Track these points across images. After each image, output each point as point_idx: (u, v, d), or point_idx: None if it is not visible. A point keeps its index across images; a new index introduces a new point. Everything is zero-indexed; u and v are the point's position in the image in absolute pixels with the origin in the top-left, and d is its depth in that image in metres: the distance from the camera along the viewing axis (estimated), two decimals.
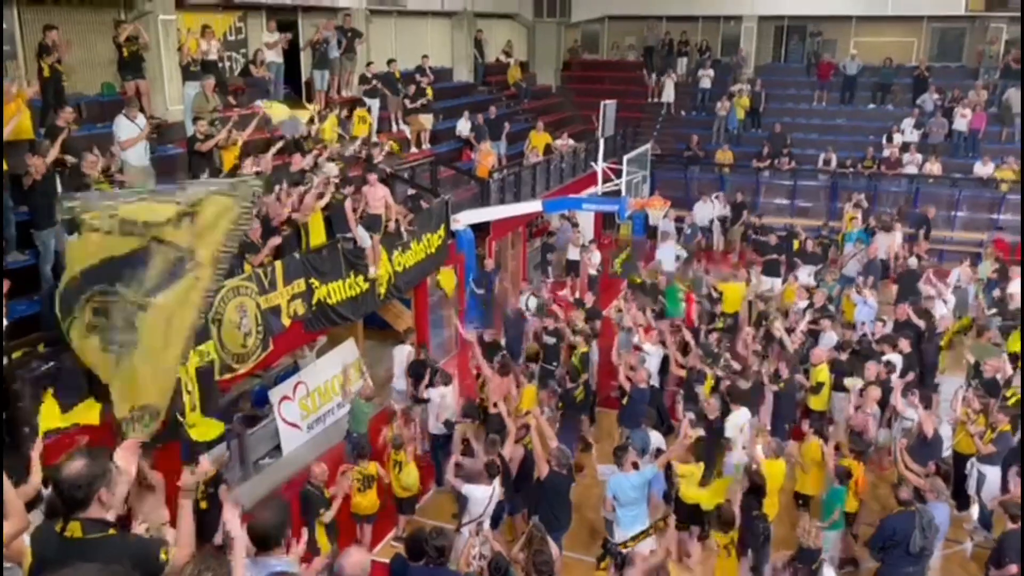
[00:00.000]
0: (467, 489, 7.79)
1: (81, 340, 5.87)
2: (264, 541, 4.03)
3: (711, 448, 9.06)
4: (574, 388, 10.36)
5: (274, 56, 14.90)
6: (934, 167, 20.23)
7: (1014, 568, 7.01)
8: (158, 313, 5.52)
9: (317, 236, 10.90)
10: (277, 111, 12.61)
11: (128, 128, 10.32)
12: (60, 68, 10.79)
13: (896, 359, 11.00)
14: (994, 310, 13.80)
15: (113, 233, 5.53)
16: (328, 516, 7.65)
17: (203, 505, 6.55)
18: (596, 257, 16.56)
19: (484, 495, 7.64)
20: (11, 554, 3.66)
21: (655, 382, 10.95)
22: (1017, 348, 11.67)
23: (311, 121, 13.29)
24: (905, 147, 20.95)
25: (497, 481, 7.78)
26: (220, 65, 13.73)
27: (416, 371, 10.80)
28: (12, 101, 9.51)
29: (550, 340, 11.84)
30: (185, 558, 3.39)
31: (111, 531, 3.25)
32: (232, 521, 3.82)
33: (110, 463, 3.38)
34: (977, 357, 11.54)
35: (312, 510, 7.64)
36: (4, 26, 11.06)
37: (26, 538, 3.68)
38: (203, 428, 8.04)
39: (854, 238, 16.91)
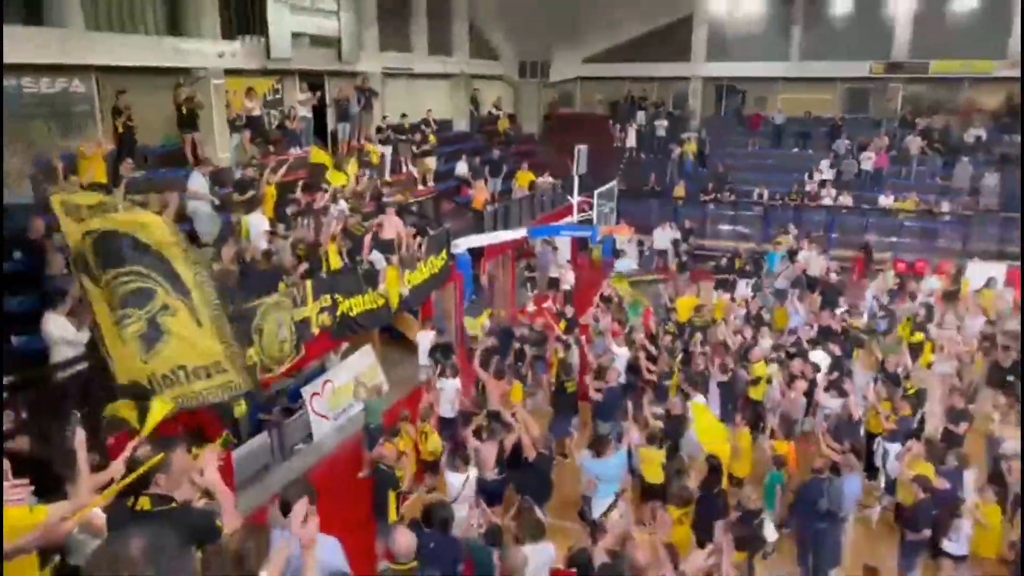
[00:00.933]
0: (447, 475, 7.82)
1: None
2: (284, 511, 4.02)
3: (675, 435, 9.08)
4: (567, 381, 10.48)
5: (305, 112, 14.99)
6: (846, 199, 20.53)
7: (928, 532, 7.10)
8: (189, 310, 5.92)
9: (336, 260, 10.93)
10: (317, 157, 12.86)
11: (200, 182, 10.57)
12: (131, 124, 10.91)
13: (821, 358, 11.11)
14: (882, 313, 14.02)
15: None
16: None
17: None
18: (570, 275, 16.68)
19: (459, 480, 7.65)
20: (93, 529, 3.68)
21: (623, 380, 10.89)
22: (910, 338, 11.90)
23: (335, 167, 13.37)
24: (823, 183, 21.26)
25: (472, 468, 7.78)
26: (261, 120, 13.81)
27: (435, 352, 11.31)
28: (92, 155, 9.74)
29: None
30: (234, 526, 3.38)
31: (173, 504, 3.30)
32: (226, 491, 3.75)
33: (173, 452, 3.41)
34: (884, 354, 11.68)
35: (385, 486, 7.75)
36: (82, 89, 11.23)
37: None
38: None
39: (777, 258, 17.02)
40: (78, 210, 5.88)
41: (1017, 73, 22.09)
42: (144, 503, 3.26)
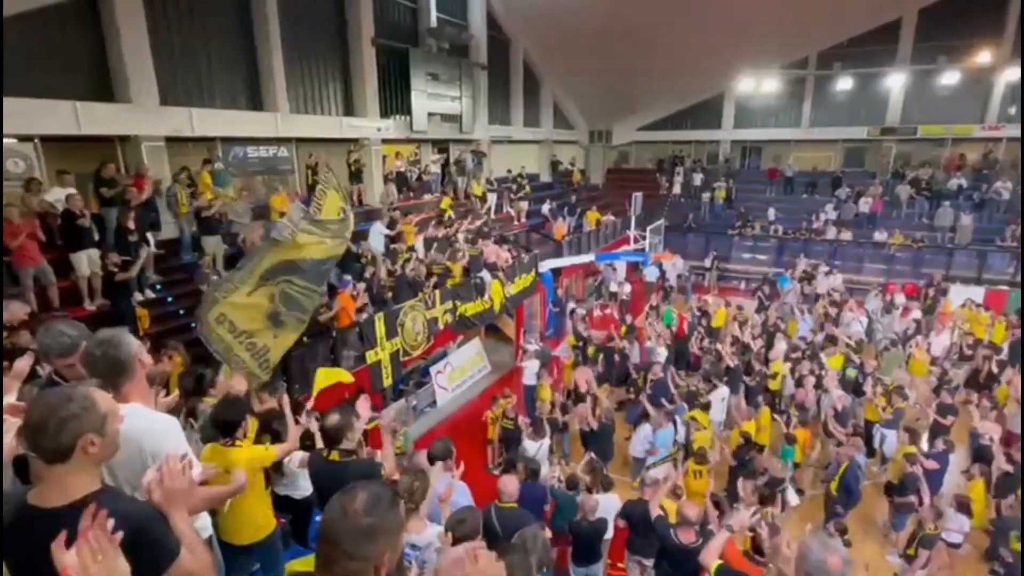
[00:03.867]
0: (525, 443, 7.69)
1: (242, 304, 5.11)
2: (435, 461, 4.08)
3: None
4: (637, 379, 10.25)
5: (435, 168, 15.35)
6: (847, 235, 19.13)
7: (913, 498, 6.56)
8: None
9: (458, 276, 11.12)
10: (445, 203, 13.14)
11: (379, 230, 10.97)
12: (316, 180, 11.43)
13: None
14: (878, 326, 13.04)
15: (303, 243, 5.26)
16: None
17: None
18: (627, 288, 16.36)
19: (534, 447, 7.55)
20: (300, 465, 3.80)
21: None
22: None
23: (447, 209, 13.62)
24: (827, 222, 19.89)
25: (545, 438, 7.69)
26: (406, 174, 14.23)
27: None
28: (281, 197, 10.25)
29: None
30: (392, 473, 3.39)
31: (354, 456, 3.32)
32: (387, 447, 3.71)
33: (352, 415, 3.40)
34: (887, 365, 10.88)
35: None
36: (286, 154, 11.80)
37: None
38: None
39: (787, 280, 16.16)
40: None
41: (994, 134, 20.33)
42: (334, 456, 3.30)
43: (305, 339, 7.71)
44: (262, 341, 5.20)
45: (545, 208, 18.31)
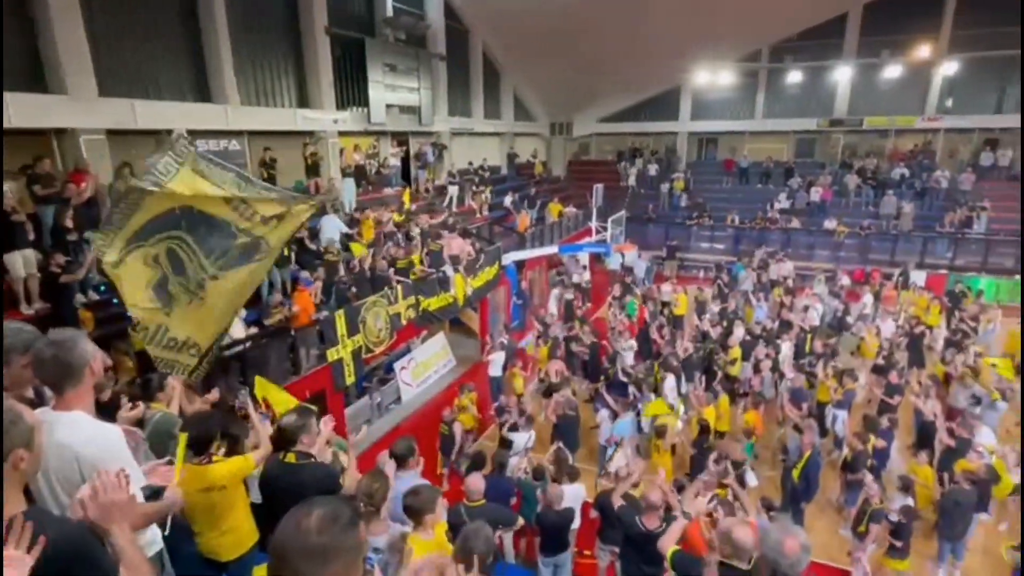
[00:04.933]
0: (513, 436, 7.68)
1: (137, 265, 4.19)
2: (400, 461, 3.99)
3: None
4: (608, 368, 10.31)
5: (395, 162, 15.10)
6: (798, 224, 19.78)
7: (862, 474, 6.83)
8: (226, 284, 4.28)
9: (419, 271, 10.99)
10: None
11: (334, 223, 10.69)
12: (272, 172, 11.07)
13: (786, 344, 10.75)
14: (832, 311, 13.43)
15: (221, 194, 4.13)
16: None
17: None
18: (587, 275, 16.52)
19: (522, 440, 7.55)
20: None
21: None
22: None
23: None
24: (780, 212, 20.49)
25: (531, 430, 7.71)
26: (365, 168, 13.93)
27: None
28: None
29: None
30: (351, 489, 3.31)
31: (312, 460, 3.24)
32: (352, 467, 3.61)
33: (311, 418, 3.33)
34: (844, 348, 11.30)
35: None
36: (238, 147, 11.36)
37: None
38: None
39: (742, 269, 16.62)
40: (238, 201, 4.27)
41: (931, 125, 21.33)
42: (291, 457, 3.20)
43: (261, 340, 7.52)
44: (154, 322, 4.37)
45: (507, 201, 18.25)
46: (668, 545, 3.35)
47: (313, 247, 10.00)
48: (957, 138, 21.57)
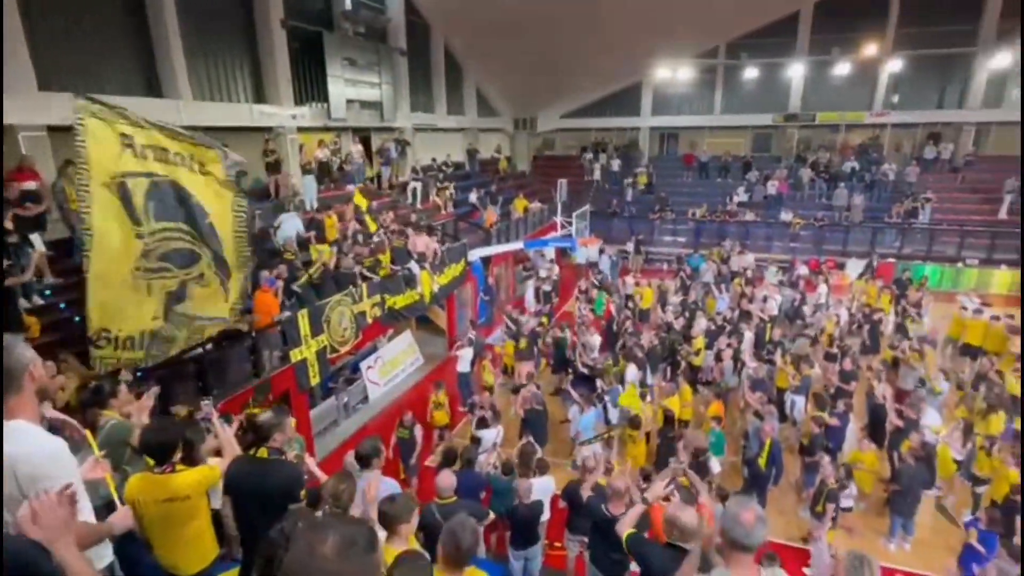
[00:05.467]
0: (481, 432, 7.69)
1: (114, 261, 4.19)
2: (365, 461, 3.97)
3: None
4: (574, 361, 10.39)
5: (357, 158, 14.83)
6: (756, 216, 20.34)
7: (820, 456, 7.08)
8: (222, 285, 4.59)
9: (385, 269, 10.84)
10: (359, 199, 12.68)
11: (292, 221, 10.38)
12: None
13: (746, 333, 11.05)
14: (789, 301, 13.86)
15: (145, 154, 4.24)
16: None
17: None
18: (555, 270, 16.62)
19: (491, 436, 7.58)
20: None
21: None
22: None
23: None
24: (740, 204, 21.04)
25: (500, 427, 7.76)
26: (328, 164, 13.65)
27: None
28: None
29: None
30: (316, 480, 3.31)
31: (283, 456, 3.21)
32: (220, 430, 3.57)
33: (285, 417, 3.31)
34: (801, 336, 11.66)
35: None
36: None
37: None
38: None
39: (702, 261, 17.06)
40: (140, 147, 4.45)
41: (879, 120, 22.22)
42: (263, 452, 3.15)
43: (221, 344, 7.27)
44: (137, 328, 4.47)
45: (473, 197, 18.19)
46: (624, 529, 3.45)
47: (275, 245, 9.77)
48: (903, 133, 22.56)
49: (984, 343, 10.67)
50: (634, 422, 7.55)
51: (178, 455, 3.10)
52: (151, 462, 3.05)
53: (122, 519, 2.34)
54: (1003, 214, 18.29)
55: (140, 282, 4.47)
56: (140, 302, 4.51)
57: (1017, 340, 10.19)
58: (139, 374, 5.48)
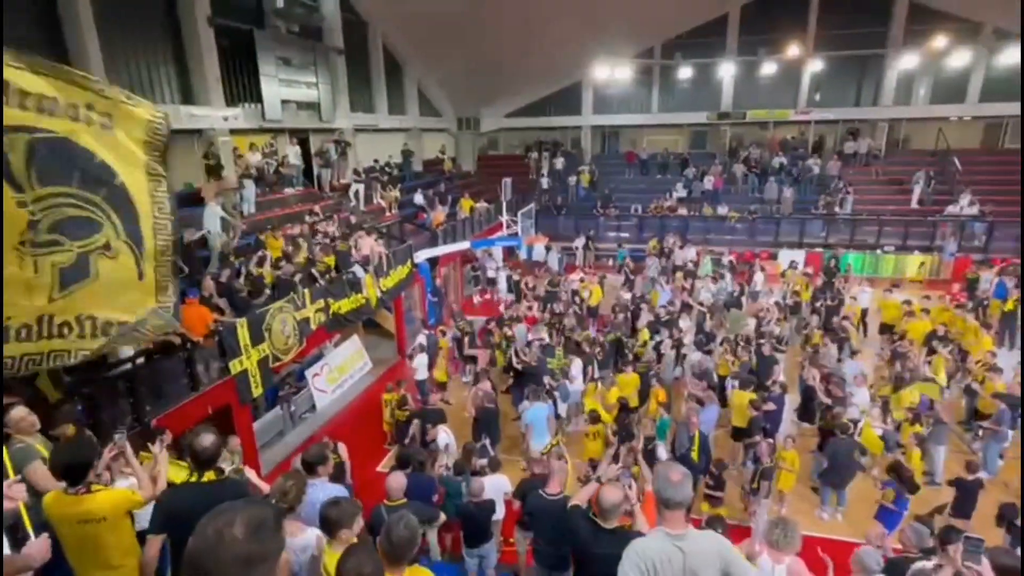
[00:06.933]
0: (440, 434, 7.56)
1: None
2: (310, 468, 3.87)
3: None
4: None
5: (295, 160, 14.41)
6: (694, 211, 21.07)
7: (758, 438, 7.43)
8: (135, 258, 3.94)
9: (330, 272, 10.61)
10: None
11: (214, 211, 9.91)
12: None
13: (687, 324, 11.44)
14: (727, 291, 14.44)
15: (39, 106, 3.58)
16: None
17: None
18: (504, 273, 16.68)
19: (442, 440, 7.44)
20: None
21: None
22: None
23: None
24: (678, 200, 21.74)
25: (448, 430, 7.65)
26: (263, 168, 13.18)
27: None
28: None
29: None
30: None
31: (229, 477, 3.20)
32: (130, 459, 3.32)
33: (225, 436, 3.16)
34: (733, 324, 12.14)
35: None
36: None
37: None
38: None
39: (623, 255, 17.69)
40: (16, 96, 3.69)
41: (803, 117, 23.51)
42: (210, 475, 3.01)
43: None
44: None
45: (418, 197, 18.01)
46: (573, 501, 3.61)
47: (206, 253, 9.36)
48: (825, 128, 23.96)
49: (895, 322, 11.56)
50: (593, 417, 7.64)
51: (92, 475, 2.95)
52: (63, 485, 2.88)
53: (40, 550, 2.20)
54: (914, 203, 19.77)
55: (27, 259, 3.70)
56: (28, 283, 3.73)
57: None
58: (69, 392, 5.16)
